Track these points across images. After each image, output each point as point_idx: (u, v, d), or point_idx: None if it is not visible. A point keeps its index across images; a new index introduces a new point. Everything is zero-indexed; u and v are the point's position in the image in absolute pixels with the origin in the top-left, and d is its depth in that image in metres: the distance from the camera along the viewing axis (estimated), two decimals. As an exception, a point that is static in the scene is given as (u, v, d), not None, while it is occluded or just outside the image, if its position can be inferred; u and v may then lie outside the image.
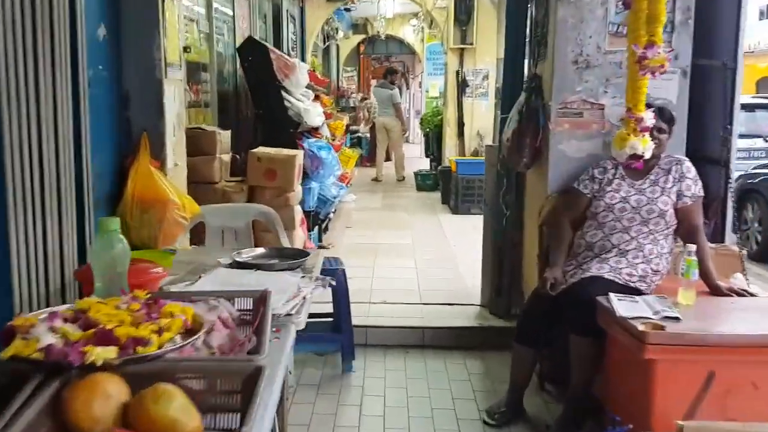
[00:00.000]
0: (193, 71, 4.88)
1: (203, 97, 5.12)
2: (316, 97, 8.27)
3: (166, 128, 3.18)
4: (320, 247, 5.50)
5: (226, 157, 3.89)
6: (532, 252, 3.29)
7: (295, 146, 5.28)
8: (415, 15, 14.46)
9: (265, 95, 5.29)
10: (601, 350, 2.43)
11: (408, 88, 23.03)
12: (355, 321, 3.30)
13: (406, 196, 8.90)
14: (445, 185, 8.09)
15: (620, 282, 2.50)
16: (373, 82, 21.68)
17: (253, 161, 3.86)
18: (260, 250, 2.35)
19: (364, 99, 13.33)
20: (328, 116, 7.53)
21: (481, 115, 8.99)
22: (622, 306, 2.24)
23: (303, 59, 9.17)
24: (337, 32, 12.69)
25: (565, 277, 2.61)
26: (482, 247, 3.94)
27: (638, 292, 2.47)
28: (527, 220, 3.51)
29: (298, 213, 3.99)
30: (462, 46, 8.76)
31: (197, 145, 3.74)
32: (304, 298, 1.81)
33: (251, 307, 1.52)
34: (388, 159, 11.78)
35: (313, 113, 5.54)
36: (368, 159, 12.89)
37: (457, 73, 8.90)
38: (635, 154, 2.61)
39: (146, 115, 3.08)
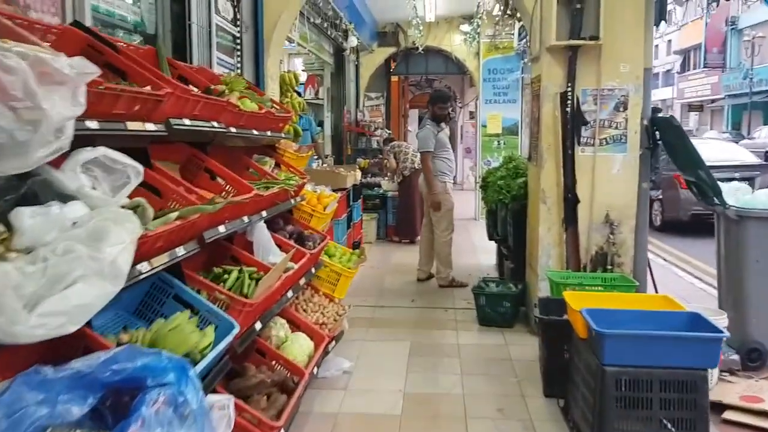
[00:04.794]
0: None
1: None
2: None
3: None
4: None
5: None
6: None
7: None
8: (468, 19, 10.09)
9: None
10: None
11: (451, 118, 18.36)
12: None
13: (459, 350, 4.32)
14: (550, 353, 3.50)
15: None
16: (412, 114, 17.36)
17: None
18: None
19: (390, 140, 8.90)
20: (274, 198, 3.13)
21: (613, 181, 4.42)
22: None
23: (258, 73, 4.80)
24: (345, 36, 8.36)
25: None
26: None
27: None
28: None
29: None
30: (574, 42, 4.27)
31: None
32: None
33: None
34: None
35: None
36: (396, 230, 8.45)
37: (563, 96, 4.39)
38: None
39: None
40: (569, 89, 4.38)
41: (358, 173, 6.76)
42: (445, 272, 5.96)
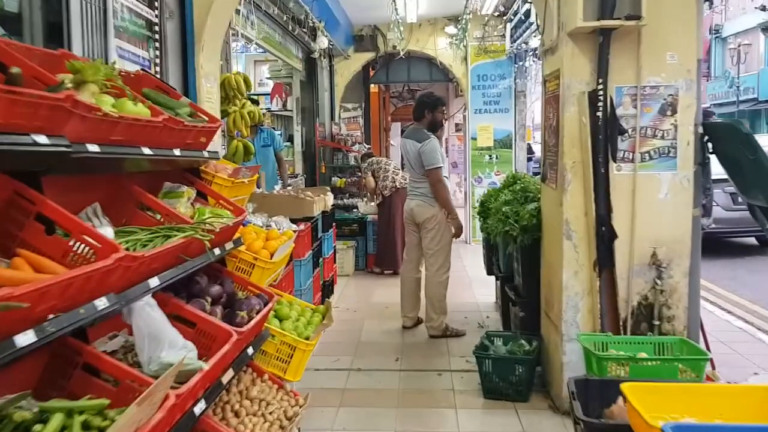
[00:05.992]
0: None
1: None
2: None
3: None
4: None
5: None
6: None
7: None
8: (453, 20, 9.08)
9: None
10: None
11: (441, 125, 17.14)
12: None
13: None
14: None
15: None
16: (394, 128, 16.22)
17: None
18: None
19: (368, 156, 7.78)
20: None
21: (660, 209, 3.32)
22: None
23: (187, 72, 3.65)
24: (314, 36, 7.24)
25: None
26: None
27: None
28: None
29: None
30: (607, 23, 3.18)
31: None
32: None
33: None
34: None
35: None
36: (377, 260, 7.32)
37: (593, 97, 3.29)
38: None
39: None
40: (600, 87, 3.28)
41: (329, 197, 5.61)
42: (438, 320, 4.81)
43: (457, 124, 15.67)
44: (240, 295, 2.62)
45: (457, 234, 4.97)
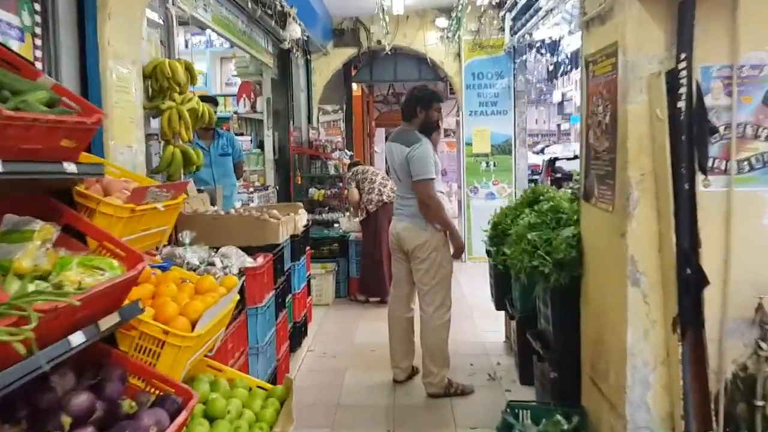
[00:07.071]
0: None
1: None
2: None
3: None
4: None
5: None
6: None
7: None
8: (445, 10, 8.12)
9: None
10: None
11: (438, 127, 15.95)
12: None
13: None
14: None
15: None
16: (378, 134, 15.14)
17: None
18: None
19: (355, 164, 6.75)
20: None
21: (763, 238, 2.32)
22: None
23: (86, 48, 2.57)
24: (283, 21, 6.16)
25: None
26: None
27: None
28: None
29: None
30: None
31: None
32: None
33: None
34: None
35: None
36: (361, 286, 6.30)
37: (672, 80, 2.29)
38: None
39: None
40: (682, 66, 2.27)
41: (302, 216, 4.54)
42: (439, 375, 3.76)
43: (446, 129, 14.69)
44: (127, 407, 1.54)
45: (457, 255, 3.96)
